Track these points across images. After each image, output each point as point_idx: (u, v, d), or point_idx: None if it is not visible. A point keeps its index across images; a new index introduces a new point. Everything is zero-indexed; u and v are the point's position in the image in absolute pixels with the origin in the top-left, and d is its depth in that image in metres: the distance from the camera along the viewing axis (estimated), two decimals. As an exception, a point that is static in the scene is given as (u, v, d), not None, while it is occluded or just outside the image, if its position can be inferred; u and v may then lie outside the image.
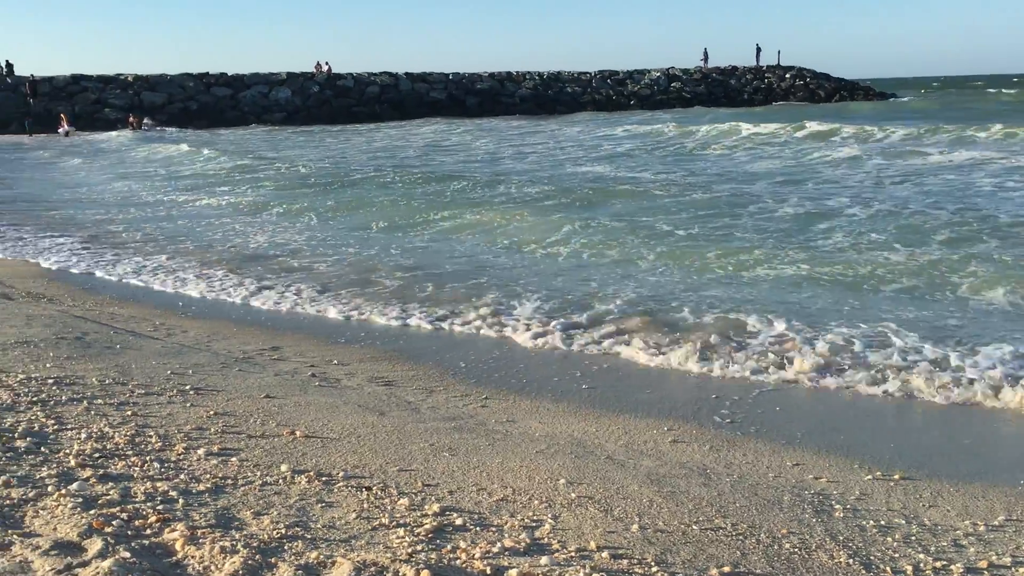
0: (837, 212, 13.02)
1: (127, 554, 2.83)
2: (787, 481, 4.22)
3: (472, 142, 32.27)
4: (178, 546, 2.96)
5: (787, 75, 61.51)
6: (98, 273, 10.37)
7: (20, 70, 47.76)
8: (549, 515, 3.53)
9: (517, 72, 57.81)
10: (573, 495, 3.77)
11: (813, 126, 29.29)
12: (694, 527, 3.51)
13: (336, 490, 3.65)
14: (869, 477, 4.36)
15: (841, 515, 3.79)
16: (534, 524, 3.42)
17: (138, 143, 35.47)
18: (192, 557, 2.90)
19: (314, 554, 2.97)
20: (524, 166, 22.97)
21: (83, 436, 4.08)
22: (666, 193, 15.67)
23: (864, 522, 3.73)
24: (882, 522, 3.75)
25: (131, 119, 43.40)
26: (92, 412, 4.52)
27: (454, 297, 8.61)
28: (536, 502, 3.67)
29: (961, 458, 4.74)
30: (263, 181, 20.61)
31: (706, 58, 62.02)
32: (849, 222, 12.12)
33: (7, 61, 47.97)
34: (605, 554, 3.18)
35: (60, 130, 41.69)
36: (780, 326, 7.04)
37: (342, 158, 27.08)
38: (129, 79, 48.40)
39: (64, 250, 11.93)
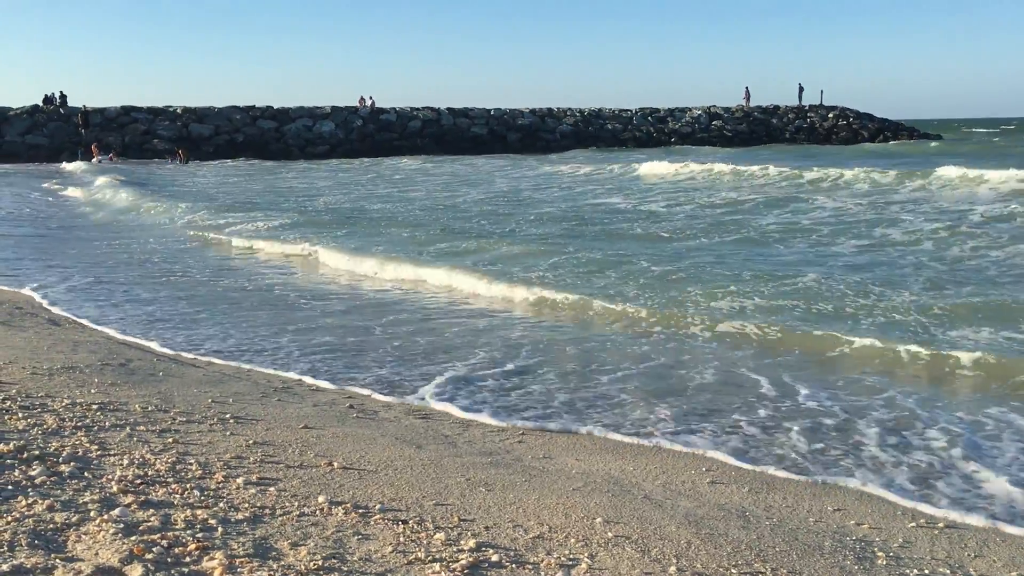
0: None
1: (166, 581, 2.86)
2: (828, 526, 4.15)
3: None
4: (217, 575, 2.98)
5: (830, 115, 61.23)
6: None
7: (73, 101, 49.08)
8: (586, 554, 3.50)
9: (558, 108, 58.22)
10: (610, 534, 3.74)
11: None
12: (733, 571, 3.46)
13: (372, 523, 3.65)
14: (912, 524, 4.27)
15: (884, 563, 3.72)
16: (570, 563, 3.40)
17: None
18: (230, 586, 2.91)
19: (350, 587, 2.98)
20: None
21: (125, 462, 4.14)
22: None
23: (908, 571, 3.66)
24: (926, 571, 3.67)
25: (179, 152, 43.99)
26: (134, 438, 4.59)
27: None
28: (572, 540, 3.65)
29: (1008, 506, 4.63)
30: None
31: (748, 97, 62.00)
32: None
33: (61, 92, 49.33)
34: (642, 596, 3.14)
35: (94, 160, 42.33)
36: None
37: (365, 193, 27.36)
38: (178, 111, 49.46)
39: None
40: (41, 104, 48.43)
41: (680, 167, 30.72)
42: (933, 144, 53.09)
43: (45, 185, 30.35)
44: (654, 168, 31.22)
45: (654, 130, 57.04)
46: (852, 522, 4.25)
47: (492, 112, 55.37)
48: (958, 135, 69.10)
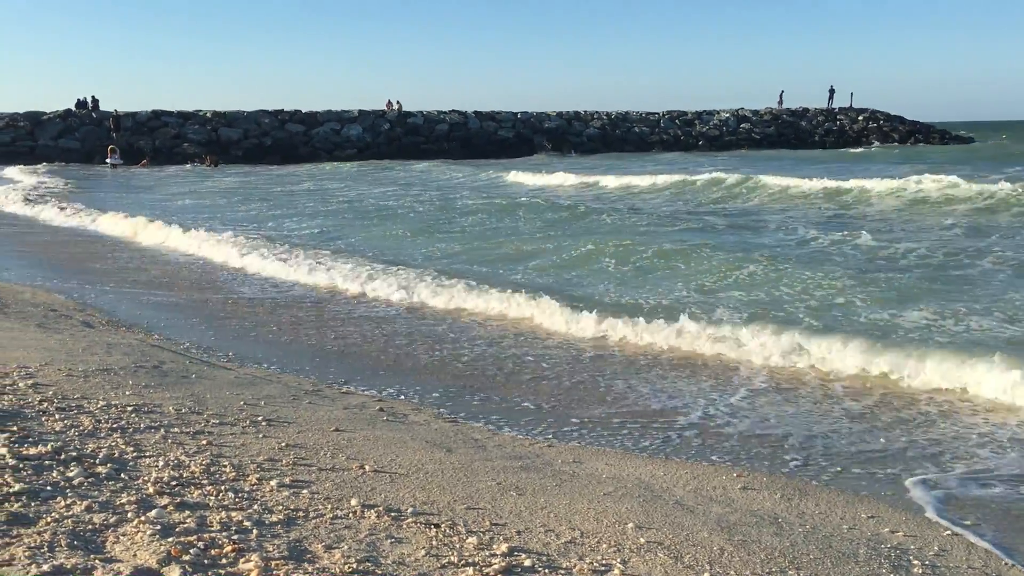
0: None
1: (203, 583, 2.89)
2: (862, 533, 4.12)
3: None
4: (252, 577, 3.00)
5: (860, 117, 60.68)
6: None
7: (105, 105, 49.65)
8: (618, 560, 3.49)
9: (585, 111, 58.12)
10: (642, 540, 3.74)
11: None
12: (766, 578, 3.44)
13: (405, 526, 3.67)
14: (948, 532, 4.23)
15: (920, 571, 3.68)
16: (603, 568, 3.39)
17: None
18: (265, 588, 2.93)
19: (384, 590, 2.99)
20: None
21: (161, 464, 4.18)
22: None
23: (944, 579, 3.62)
24: (963, 580, 3.64)
25: (207, 157, 44.19)
26: (169, 440, 4.64)
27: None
28: (604, 546, 3.64)
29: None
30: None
31: (781, 100, 61.63)
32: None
33: (93, 97, 49.91)
34: (675, 602, 3.13)
35: (108, 160, 42.37)
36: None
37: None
38: (207, 115, 49.88)
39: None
40: (74, 108, 49.06)
41: (545, 176, 31.32)
42: (911, 146, 52.66)
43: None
44: (519, 177, 31.84)
45: (681, 133, 56.75)
46: (887, 529, 4.21)
47: (519, 115, 55.35)
48: (988, 137, 68.20)
